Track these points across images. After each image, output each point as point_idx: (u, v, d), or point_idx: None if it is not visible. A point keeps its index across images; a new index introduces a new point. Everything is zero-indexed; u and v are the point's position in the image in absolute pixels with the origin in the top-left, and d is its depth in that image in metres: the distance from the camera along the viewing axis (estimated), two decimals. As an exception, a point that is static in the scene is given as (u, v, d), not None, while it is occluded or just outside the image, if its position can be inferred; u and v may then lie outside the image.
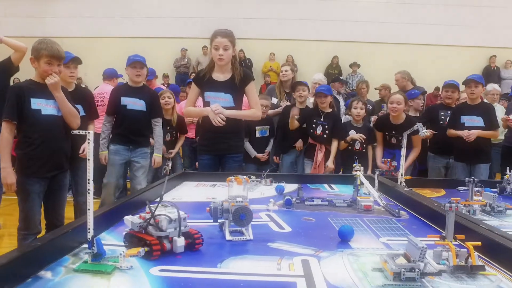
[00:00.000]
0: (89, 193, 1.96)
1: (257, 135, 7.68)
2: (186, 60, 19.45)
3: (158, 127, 6.50)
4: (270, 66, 18.52)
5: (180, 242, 2.27)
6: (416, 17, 18.96)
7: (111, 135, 6.43)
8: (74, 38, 17.13)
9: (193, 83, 5.51)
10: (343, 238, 2.65)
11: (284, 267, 2.15)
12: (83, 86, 6.99)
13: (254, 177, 4.76)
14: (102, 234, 2.69)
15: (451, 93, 7.47)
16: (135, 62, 6.30)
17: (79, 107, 5.40)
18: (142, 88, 6.45)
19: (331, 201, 3.74)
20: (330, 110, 7.28)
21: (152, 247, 2.14)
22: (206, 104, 5.33)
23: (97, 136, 6.05)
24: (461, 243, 2.27)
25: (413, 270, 1.93)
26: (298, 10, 19.29)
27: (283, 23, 19.25)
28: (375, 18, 18.98)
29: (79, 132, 2.01)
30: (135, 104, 6.31)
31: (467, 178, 3.78)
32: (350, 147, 7.07)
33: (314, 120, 7.20)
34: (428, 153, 7.52)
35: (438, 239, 2.24)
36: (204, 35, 17.95)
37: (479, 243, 2.23)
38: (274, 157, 7.88)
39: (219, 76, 5.32)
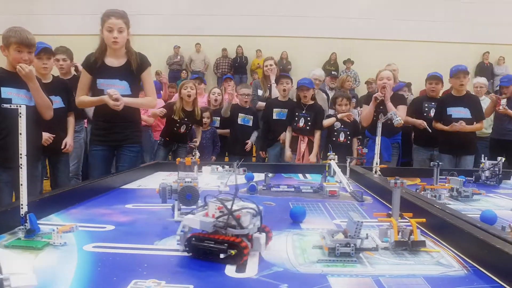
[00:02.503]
0: (21, 168, 1.91)
1: (239, 122, 7.73)
2: (179, 57, 19.23)
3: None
4: (258, 63, 18.42)
5: (263, 239, 1.96)
6: (409, 14, 18.87)
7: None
8: (69, 36, 17.04)
9: (83, 69, 4.89)
10: (295, 220, 2.60)
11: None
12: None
13: (228, 166, 4.71)
14: (50, 215, 2.66)
15: (434, 85, 7.36)
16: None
17: (58, 98, 5.31)
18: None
19: (298, 187, 3.69)
20: (312, 102, 7.19)
21: (243, 250, 1.81)
22: (99, 92, 4.73)
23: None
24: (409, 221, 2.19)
25: (348, 245, 1.86)
26: (295, 7, 19.21)
27: (280, 19, 19.16)
28: (368, 14, 18.88)
29: (10, 106, 2.03)
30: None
31: (432, 162, 3.73)
32: (334, 139, 6.98)
33: (297, 113, 7.11)
34: (412, 145, 7.43)
35: (384, 217, 2.17)
36: (197, 32, 17.86)
37: (423, 220, 2.16)
38: (261, 152, 7.84)
39: (113, 61, 4.79)
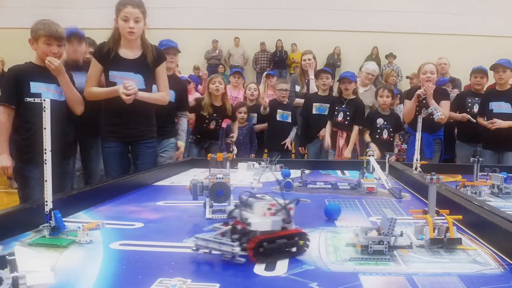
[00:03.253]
0: (45, 163, 1.91)
1: (278, 118, 7.63)
2: (217, 51, 19.15)
3: (183, 118, 6.05)
4: (293, 58, 18.31)
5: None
6: (453, 6, 18.57)
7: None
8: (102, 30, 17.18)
9: (93, 59, 4.61)
10: (329, 217, 2.58)
11: (252, 243, 2.07)
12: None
13: (264, 163, 4.70)
14: (78, 213, 2.67)
15: (480, 79, 7.24)
16: (168, 48, 5.78)
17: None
18: (171, 77, 5.52)
19: (335, 184, 3.66)
20: (354, 96, 7.12)
21: (307, 240, 1.95)
22: (110, 85, 4.53)
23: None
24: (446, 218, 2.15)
25: (381, 243, 1.83)
26: (335, 0, 19.07)
27: (316, 12, 19.04)
28: (410, 7, 18.63)
29: (34, 100, 2.05)
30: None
31: (472, 158, 3.66)
32: (377, 136, 6.89)
33: (336, 107, 7.04)
34: (456, 141, 7.32)
35: (420, 213, 2.13)
36: (236, 26, 17.82)
37: (460, 217, 2.12)
38: (300, 148, 7.80)
39: (128, 53, 4.57)
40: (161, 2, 18.79)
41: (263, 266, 1.75)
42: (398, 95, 8.54)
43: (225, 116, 7.12)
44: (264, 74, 9.86)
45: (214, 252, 1.84)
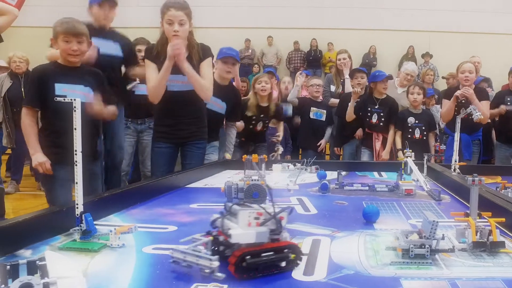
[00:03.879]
0: (76, 165, 1.90)
1: (312, 116, 7.52)
2: (250, 51, 19.06)
3: (232, 130, 6.03)
4: (329, 57, 18.21)
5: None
6: (489, 5, 18.32)
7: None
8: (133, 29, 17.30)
9: (147, 60, 4.63)
10: (368, 219, 2.55)
11: (291, 246, 2.06)
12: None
13: (299, 164, 4.69)
14: (110, 216, 2.67)
15: (519, 77, 7.15)
16: (227, 57, 5.62)
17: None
18: (226, 88, 5.72)
19: (372, 186, 3.63)
20: (385, 96, 7.06)
21: (301, 253, 1.78)
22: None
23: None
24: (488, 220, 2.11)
25: (422, 247, 1.81)
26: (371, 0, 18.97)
27: (351, 11, 18.93)
28: (447, 6, 18.43)
29: (64, 99, 1.98)
30: (215, 104, 5.54)
31: (512, 159, 3.62)
32: (409, 136, 6.82)
33: (369, 108, 6.98)
34: (494, 142, 7.23)
35: (462, 216, 2.11)
36: (269, 25, 17.75)
37: (503, 219, 2.09)
38: (335, 149, 7.73)
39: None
40: (193, 0, 18.87)
41: (301, 270, 1.74)
42: (435, 96, 8.43)
43: (272, 117, 6.99)
44: (298, 73, 9.81)
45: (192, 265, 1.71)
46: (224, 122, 5.98)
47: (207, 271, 1.63)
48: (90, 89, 4.22)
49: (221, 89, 5.45)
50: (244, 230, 1.69)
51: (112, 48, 5.36)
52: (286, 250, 1.73)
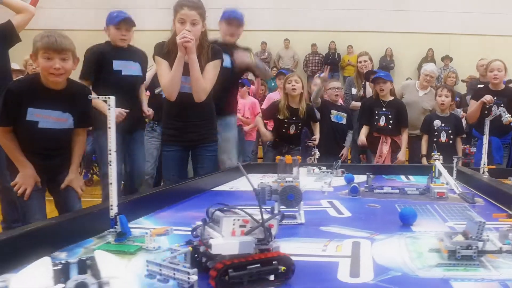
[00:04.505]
0: (110, 165, 1.89)
1: (332, 119, 7.35)
2: (266, 54, 18.91)
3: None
4: (348, 60, 18.17)
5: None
6: (509, 7, 18.21)
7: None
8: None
9: (157, 58, 4.43)
10: (405, 222, 2.54)
11: (331, 248, 2.07)
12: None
13: (325, 168, 4.67)
14: (139, 219, 2.67)
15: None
16: (232, 19, 5.48)
17: (137, 65, 5.36)
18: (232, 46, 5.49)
19: (402, 189, 3.62)
20: (392, 98, 6.97)
21: (292, 265, 1.62)
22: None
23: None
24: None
25: (469, 248, 1.79)
26: (387, 1, 18.90)
27: (369, 13, 18.89)
28: (467, 8, 18.36)
29: (98, 97, 1.96)
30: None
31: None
32: (435, 139, 6.76)
33: (376, 111, 6.90)
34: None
35: (504, 217, 2.09)
36: (285, 27, 17.65)
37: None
38: (361, 156, 7.65)
39: (186, 56, 4.32)
40: (208, 2, 18.85)
41: (347, 272, 1.73)
42: (456, 99, 8.38)
43: (300, 119, 6.73)
44: (316, 75, 9.75)
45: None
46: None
47: (185, 286, 1.48)
48: (70, 114, 3.84)
49: (226, 48, 5.20)
50: (226, 240, 1.55)
51: (133, 69, 5.34)
52: (275, 262, 1.58)
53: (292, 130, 6.64)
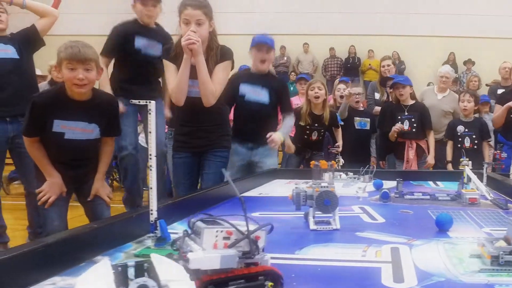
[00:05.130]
0: (151, 169, 1.91)
1: (356, 126, 7.38)
2: (285, 58, 19.04)
3: (288, 117, 5.34)
4: (369, 64, 18.20)
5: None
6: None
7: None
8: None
9: (165, 61, 4.37)
10: (441, 228, 2.55)
11: (370, 254, 2.08)
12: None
13: (352, 173, 4.68)
14: (173, 224, 2.70)
15: None
16: (261, 45, 5.19)
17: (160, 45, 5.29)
18: (266, 76, 5.26)
19: (433, 195, 3.62)
20: (414, 101, 6.99)
21: (280, 279, 1.50)
22: None
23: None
24: None
25: (513, 253, 1.81)
26: (408, 4, 18.84)
27: (389, 17, 18.83)
28: (491, 10, 18.26)
29: (139, 102, 1.97)
30: (254, 93, 5.19)
31: None
32: (459, 145, 6.76)
33: (398, 116, 6.91)
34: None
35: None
36: (305, 31, 17.63)
37: None
38: (381, 162, 7.55)
39: (193, 58, 4.20)
40: (225, 6, 18.88)
41: (390, 278, 1.75)
42: (490, 102, 8.35)
43: (323, 125, 6.75)
44: (337, 80, 9.72)
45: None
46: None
47: None
48: (96, 125, 3.85)
49: (260, 77, 5.18)
50: (206, 253, 1.42)
51: (155, 49, 5.35)
52: (261, 277, 1.46)
53: (314, 136, 6.68)
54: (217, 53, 4.29)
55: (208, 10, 4.17)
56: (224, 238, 1.44)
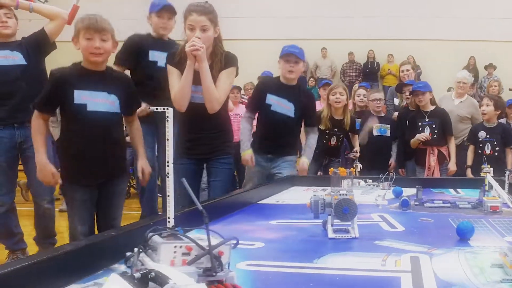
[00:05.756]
0: (168, 177, 1.91)
1: (375, 133, 7.25)
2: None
3: (312, 134, 5.42)
4: (389, 69, 18.07)
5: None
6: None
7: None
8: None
9: (169, 66, 4.33)
10: (462, 236, 2.54)
11: (390, 263, 2.08)
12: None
13: (371, 180, 4.68)
14: (191, 231, 2.70)
15: None
16: (289, 55, 5.15)
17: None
18: (292, 87, 5.24)
19: (454, 202, 3.61)
20: (434, 107, 6.91)
21: None
22: None
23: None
24: None
25: (536, 263, 1.80)
26: (428, 7, 18.74)
27: (409, 21, 18.74)
28: (510, 14, 18.12)
29: (156, 108, 1.97)
30: (280, 104, 5.17)
31: None
32: (480, 151, 6.72)
33: (419, 123, 6.84)
34: None
35: None
36: (323, 36, 17.54)
37: None
38: (400, 170, 7.38)
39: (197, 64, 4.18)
40: (241, 11, 18.92)
41: (410, 286, 1.75)
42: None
43: (342, 131, 6.71)
44: (356, 85, 9.66)
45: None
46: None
47: None
48: (116, 96, 3.92)
49: (288, 89, 5.18)
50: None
51: None
52: None
53: (333, 141, 6.63)
54: (221, 59, 4.27)
55: (213, 16, 4.16)
56: (184, 254, 1.40)
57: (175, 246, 1.39)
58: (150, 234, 1.49)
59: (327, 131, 6.56)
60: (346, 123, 6.59)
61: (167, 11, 5.33)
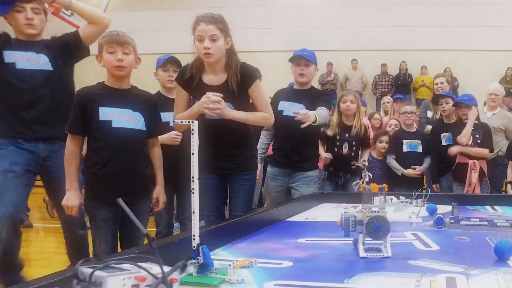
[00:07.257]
0: (193, 193, 1.91)
1: (405, 149, 7.23)
2: (332, 75, 18.76)
3: None
4: (422, 81, 17.98)
5: None
6: None
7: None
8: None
9: (177, 85, 4.36)
10: (500, 256, 2.50)
11: (424, 284, 2.05)
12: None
13: (403, 197, 4.64)
14: (216, 250, 2.70)
15: None
16: (299, 58, 5.28)
17: None
18: (309, 91, 5.41)
19: (491, 220, 3.56)
20: (476, 121, 6.81)
21: None
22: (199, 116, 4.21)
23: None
24: None
25: None
26: (462, 18, 18.64)
27: (443, 31, 18.64)
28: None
29: (181, 122, 1.97)
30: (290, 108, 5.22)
31: None
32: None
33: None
34: None
35: None
36: (353, 47, 17.54)
37: None
38: (434, 186, 7.34)
39: (212, 78, 4.20)
40: (270, 22, 18.96)
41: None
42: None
43: (359, 138, 6.54)
44: (388, 97, 9.63)
45: None
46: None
47: None
48: (140, 114, 3.98)
49: (299, 93, 5.31)
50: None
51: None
52: None
53: (345, 149, 6.43)
54: (237, 72, 4.15)
55: (223, 26, 4.06)
56: (133, 286, 1.35)
57: (124, 278, 1.33)
58: (84, 269, 1.38)
59: (337, 137, 6.43)
60: (355, 127, 6.41)
61: (170, 62, 5.40)
